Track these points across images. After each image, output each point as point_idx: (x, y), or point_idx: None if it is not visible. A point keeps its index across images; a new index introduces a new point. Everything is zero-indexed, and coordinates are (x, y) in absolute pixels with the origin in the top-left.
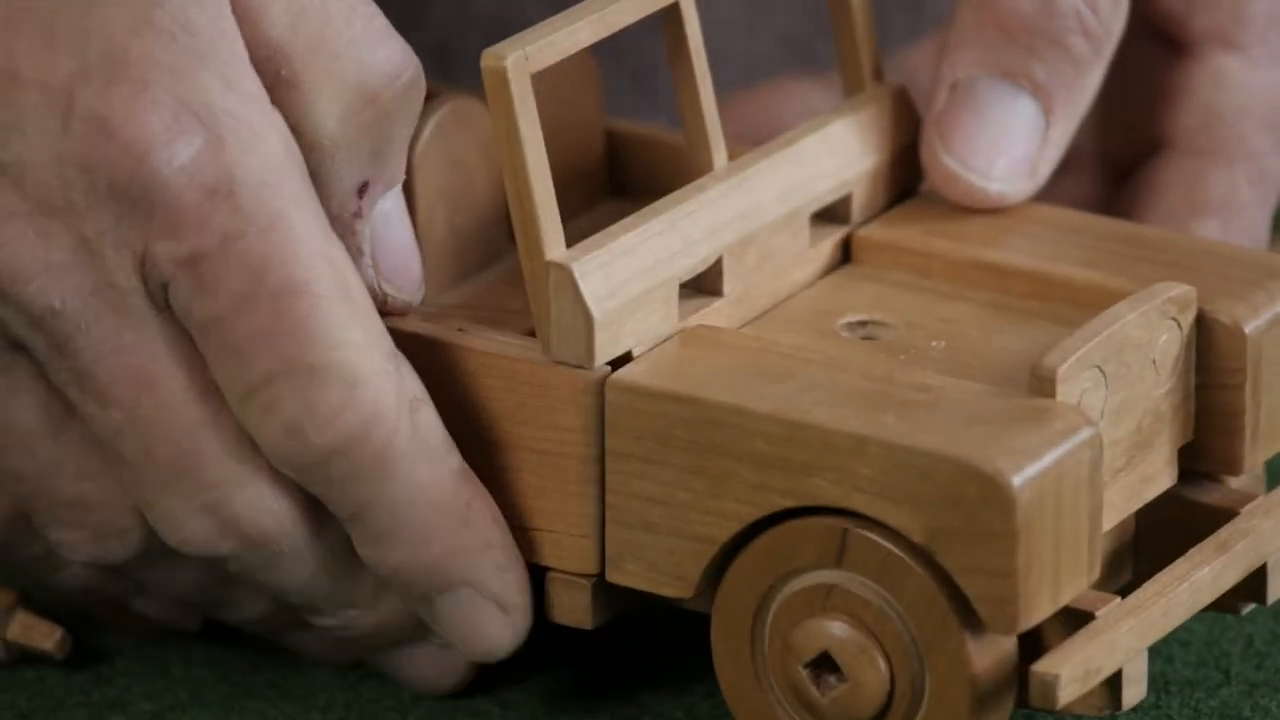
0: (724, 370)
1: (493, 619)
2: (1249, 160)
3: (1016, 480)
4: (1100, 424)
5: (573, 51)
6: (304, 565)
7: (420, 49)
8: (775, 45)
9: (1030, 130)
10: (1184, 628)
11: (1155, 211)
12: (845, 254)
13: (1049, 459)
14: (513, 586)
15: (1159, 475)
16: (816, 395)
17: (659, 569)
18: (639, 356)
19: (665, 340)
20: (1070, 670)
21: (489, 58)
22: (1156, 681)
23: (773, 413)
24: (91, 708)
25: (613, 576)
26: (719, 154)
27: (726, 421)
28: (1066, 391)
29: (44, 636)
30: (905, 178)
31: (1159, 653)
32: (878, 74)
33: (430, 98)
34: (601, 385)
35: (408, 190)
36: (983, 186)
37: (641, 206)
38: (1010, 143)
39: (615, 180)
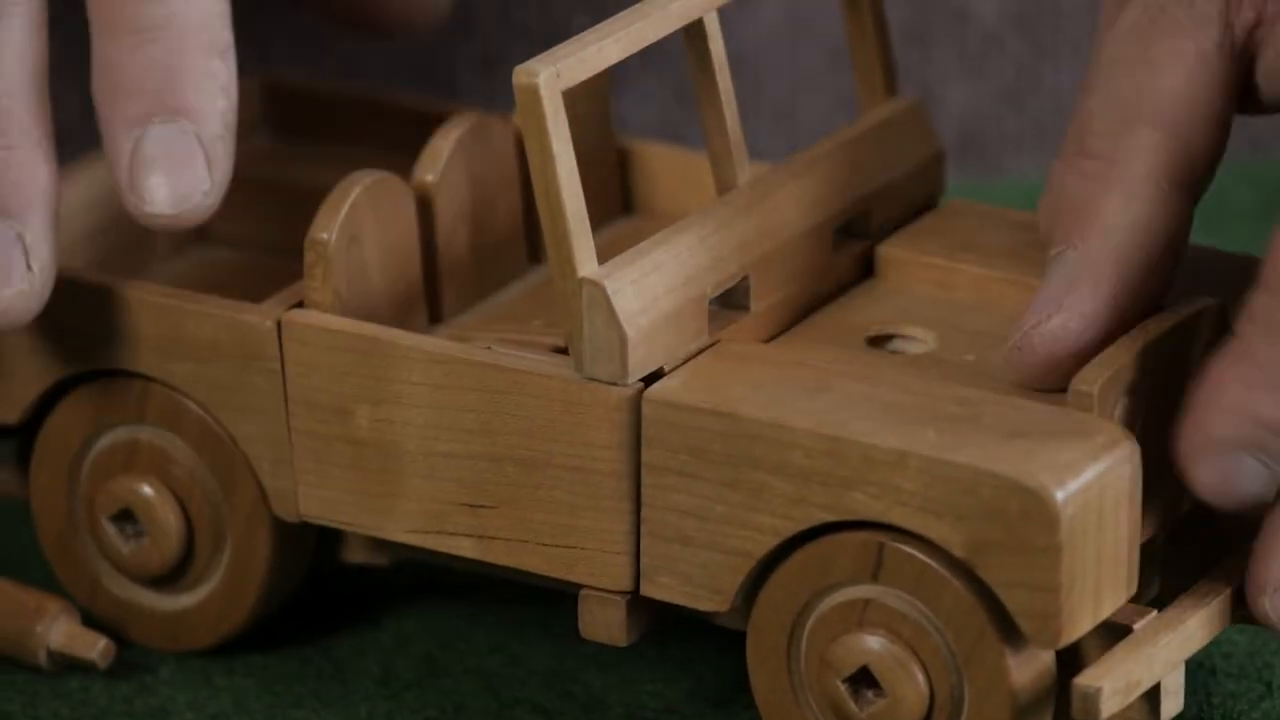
0: (760, 384)
1: None
2: None
3: (1060, 495)
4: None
5: (603, 68)
6: None
7: (465, 60)
8: (821, 56)
9: None
10: (1226, 639)
11: None
12: (867, 269)
13: (1091, 473)
14: None
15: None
16: (855, 409)
17: (694, 582)
18: (673, 371)
19: (698, 355)
20: (1112, 683)
21: (521, 75)
22: (1199, 694)
23: (811, 427)
24: (134, 717)
25: (647, 590)
26: (743, 170)
27: (764, 435)
28: (1104, 406)
29: (87, 646)
30: (924, 191)
31: (1201, 665)
32: (894, 87)
33: (448, 118)
34: (636, 401)
35: (429, 210)
36: None
37: (652, 224)
38: None
39: (624, 198)
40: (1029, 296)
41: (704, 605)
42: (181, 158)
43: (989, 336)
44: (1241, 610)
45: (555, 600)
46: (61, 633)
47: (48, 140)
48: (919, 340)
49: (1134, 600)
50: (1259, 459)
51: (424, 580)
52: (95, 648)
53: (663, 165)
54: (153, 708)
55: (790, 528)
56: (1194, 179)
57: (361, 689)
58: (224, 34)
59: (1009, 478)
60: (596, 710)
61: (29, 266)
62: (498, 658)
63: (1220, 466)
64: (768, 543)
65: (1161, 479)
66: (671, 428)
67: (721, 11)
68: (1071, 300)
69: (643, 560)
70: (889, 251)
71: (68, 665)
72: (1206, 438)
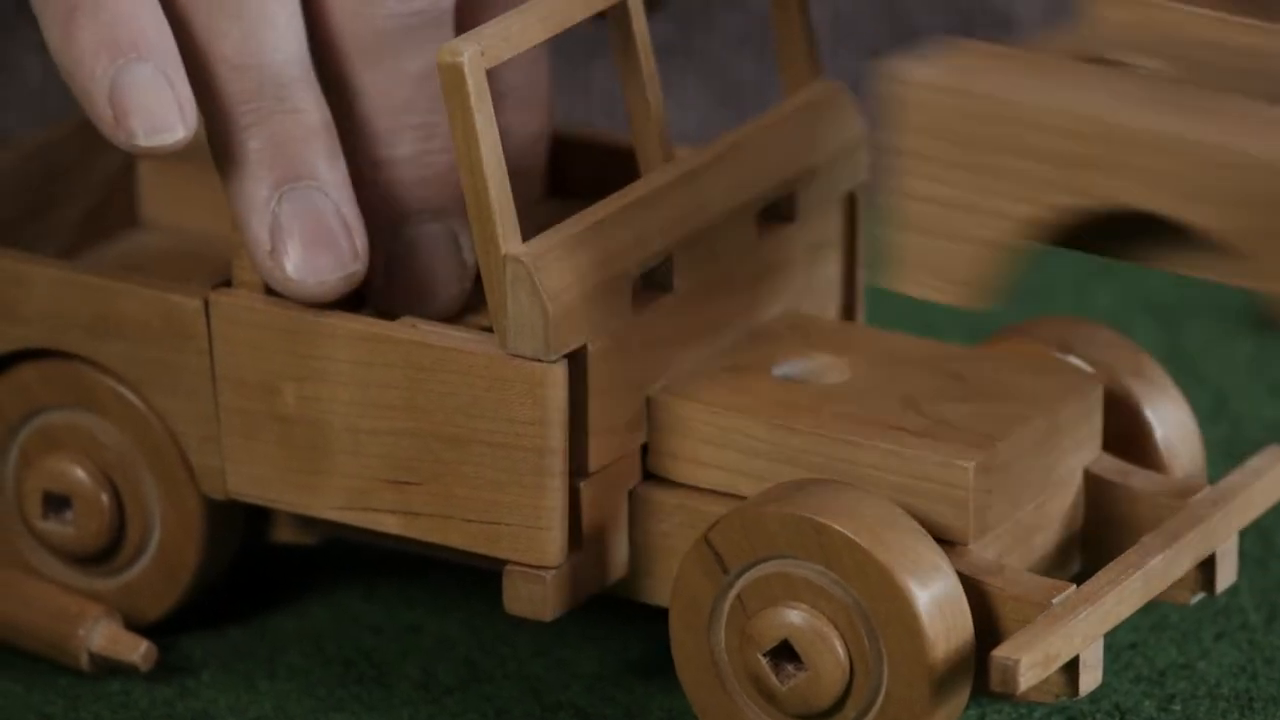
0: (1022, 73)
1: None
2: None
3: None
4: None
5: (526, 47)
6: None
7: None
8: (859, 60)
9: None
10: (1266, 645)
11: None
12: None
13: None
14: None
15: None
16: (1114, 95)
17: (941, 276)
18: (927, 60)
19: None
20: (1030, 656)
21: (445, 54)
22: (1240, 698)
23: (1079, 109)
24: None
25: (889, 283)
26: (667, 151)
27: (1026, 119)
28: None
29: (129, 649)
30: (848, 174)
31: (1244, 670)
32: (818, 70)
33: None
34: (559, 377)
35: None
36: None
37: (580, 207)
38: None
39: (553, 181)
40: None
41: (948, 298)
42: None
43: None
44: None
45: (597, 606)
46: (103, 635)
47: (324, 108)
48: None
49: (1055, 576)
50: None
51: (468, 584)
52: (137, 650)
53: (592, 149)
54: (195, 711)
55: (1041, 215)
56: None
57: (403, 693)
58: None
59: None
60: (639, 716)
61: (464, 263)
62: (540, 662)
63: None
64: (1015, 229)
65: None
66: (924, 110)
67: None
68: None
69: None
70: None
71: (109, 668)
72: None
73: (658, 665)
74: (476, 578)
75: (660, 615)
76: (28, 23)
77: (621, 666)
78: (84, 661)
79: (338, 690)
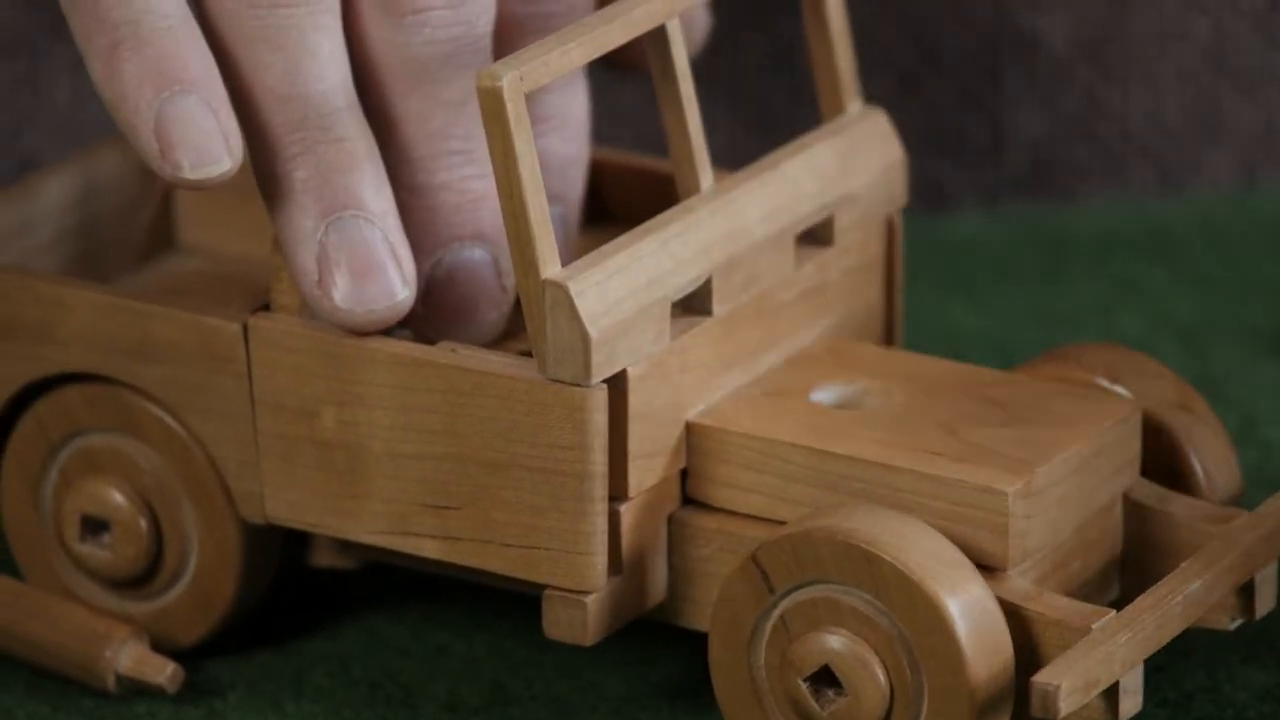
0: None
1: None
2: None
3: None
4: None
5: (565, 72)
6: None
7: None
8: (889, 87)
9: None
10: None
11: None
12: None
13: None
14: None
15: None
16: None
17: None
18: None
19: None
20: (1071, 681)
21: (485, 78)
22: None
23: None
24: None
25: None
26: (705, 176)
27: None
28: None
29: (156, 670)
30: (886, 198)
31: (1270, 694)
32: (855, 95)
33: None
34: (599, 401)
35: None
36: None
37: (616, 231)
38: None
39: (591, 207)
40: None
41: None
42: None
43: None
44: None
45: (624, 628)
46: (130, 657)
47: (369, 136)
48: None
49: (1094, 602)
50: None
51: (495, 606)
52: (164, 672)
53: (629, 174)
54: None
55: None
56: None
57: (430, 715)
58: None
59: None
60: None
61: (504, 288)
62: (567, 684)
63: None
64: None
65: None
66: None
67: None
68: None
69: None
70: None
71: (136, 690)
72: None
73: (684, 687)
74: (503, 599)
75: (687, 638)
76: (57, 45)
77: (648, 689)
78: (111, 683)
79: (364, 712)
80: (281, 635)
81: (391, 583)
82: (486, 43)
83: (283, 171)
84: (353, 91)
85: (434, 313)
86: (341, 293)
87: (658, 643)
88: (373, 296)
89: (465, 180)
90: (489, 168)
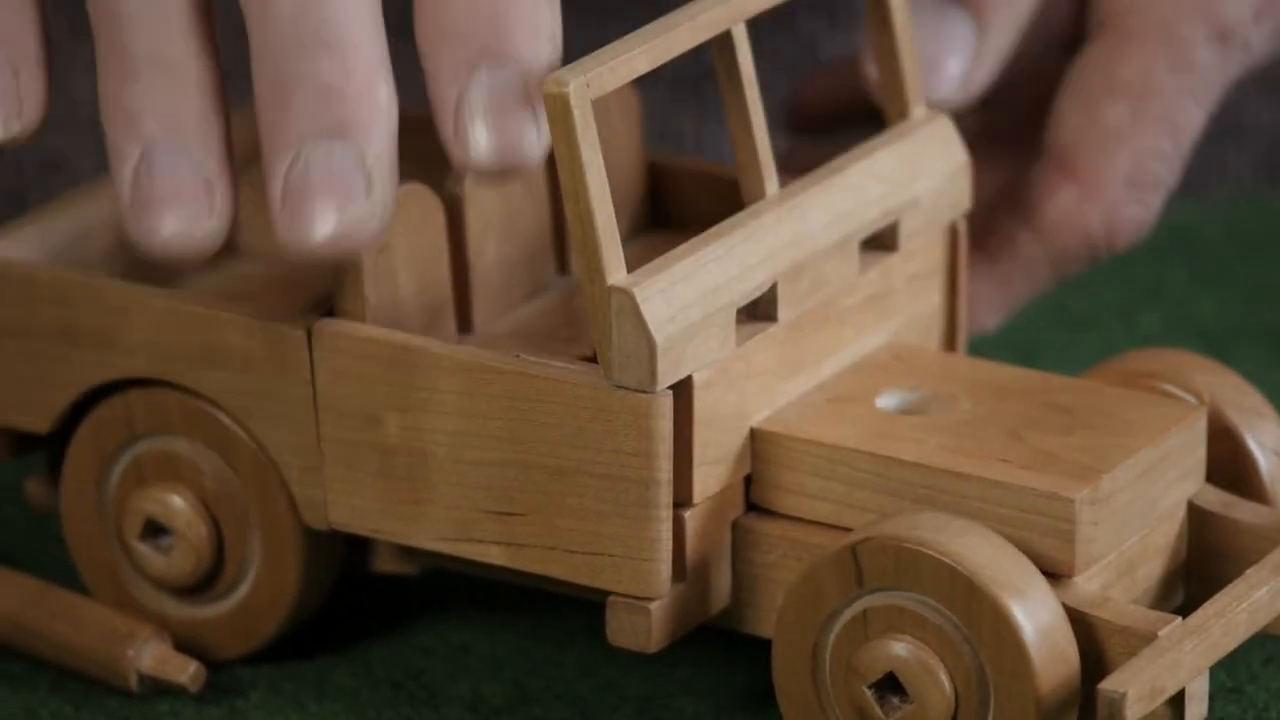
0: None
1: None
2: (1171, 45)
3: None
4: None
5: (631, 78)
6: None
7: None
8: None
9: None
10: None
11: (1073, 92)
12: None
13: None
14: None
15: None
16: None
17: None
18: None
19: None
20: (1137, 689)
21: (551, 84)
22: None
23: None
24: None
25: None
26: (770, 181)
27: None
28: None
29: (178, 669)
30: (950, 203)
31: None
32: (919, 100)
33: None
34: (664, 408)
35: (459, 220)
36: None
37: (681, 237)
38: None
39: (654, 212)
40: None
41: None
42: (509, 107)
43: None
44: None
45: None
46: (152, 656)
47: (385, 63)
48: None
49: (1159, 608)
50: None
51: (515, 605)
52: (186, 671)
53: (693, 179)
54: None
55: None
56: None
57: (452, 714)
58: None
59: None
60: None
61: (370, 187)
62: (588, 683)
63: None
64: None
65: None
66: None
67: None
68: None
69: None
70: None
71: (158, 689)
72: None
73: (706, 687)
74: (526, 598)
75: (703, 637)
76: (80, 44)
77: (670, 688)
78: (133, 682)
79: (386, 711)
80: (304, 635)
81: (413, 582)
82: None
83: (110, 91)
84: (201, 11)
85: (292, 214)
86: (154, 219)
87: (680, 644)
88: (186, 222)
89: (318, 72)
90: (361, 59)
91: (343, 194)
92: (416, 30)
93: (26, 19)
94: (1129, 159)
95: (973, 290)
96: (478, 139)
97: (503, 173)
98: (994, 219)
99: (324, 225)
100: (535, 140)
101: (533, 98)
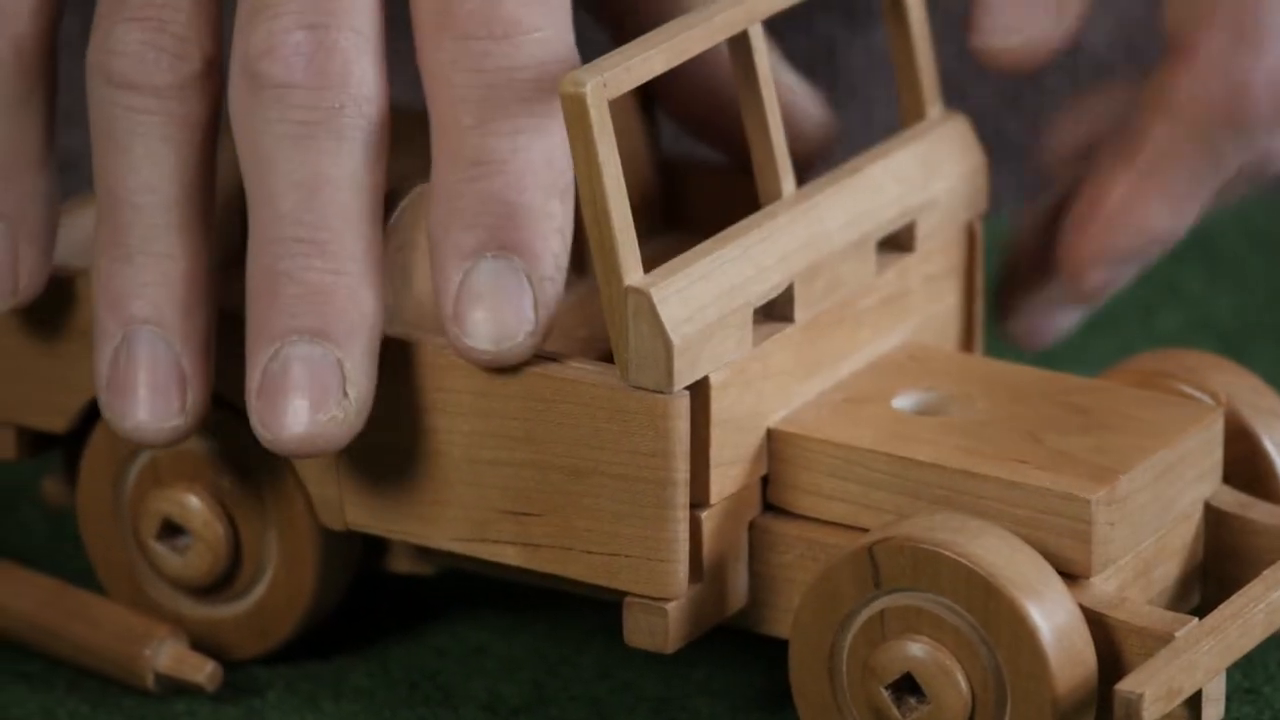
0: None
1: None
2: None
3: None
4: None
5: (647, 79)
6: None
7: None
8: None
9: None
10: None
11: None
12: None
13: None
14: None
15: None
16: None
17: None
18: None
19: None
20: (1154, 690)
21: (568, 85)
22: None
23: None
24: None
25: None
26: (787, 181)
27: None
28: None
29: (195, 669)
30: (968, 204)
31: None
32: (938, 100)
33: None
34: (681, 409)
35: None
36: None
37: (695, 237)
38: None
39: (667, 211)
40: None
41: None
42: (509, 295)
43: None
44: None
45: None
46: (169, 656)
47: (376, 271)
48: None
49: (1175, 609)
50: (1137, 266)
51: (532, 606)
52: (203, 671)
53: (706, 178)
54: None
55: None
56: None
57: (468, 714)
58: (566, 174)
59: None
60: None
61: (345, 394)
62: (605, 684)
63: (1110, 274)
64: None
65: None
66: None
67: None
68: None
69: None
70: None
71: (175, 688)
72: (1103, 246)
73: (722, 687)
74: (542, 599)
75: (720, 638)
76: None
77: (687, 688)
78: (150, 682)
79: (403, 711)
80: (320, 635)
81: (429, 582)
82: (360, 128)
83: (103, 268)
84: (198, 206)
85: (267, 407)
86: (126, 404)
87: (696, 644)
88: (157, 414)
89: (309, 272)
90: (352, 265)
91: (318, 396)
92: (430, 213)
93: (29, 187)
94: (1233, 25)
95: (1142, 202)
96: (475, 324)
97: (497, 357)
98: (1130, 126)
99: (296, 424)
100: (533, 332)
101: (535, 289)
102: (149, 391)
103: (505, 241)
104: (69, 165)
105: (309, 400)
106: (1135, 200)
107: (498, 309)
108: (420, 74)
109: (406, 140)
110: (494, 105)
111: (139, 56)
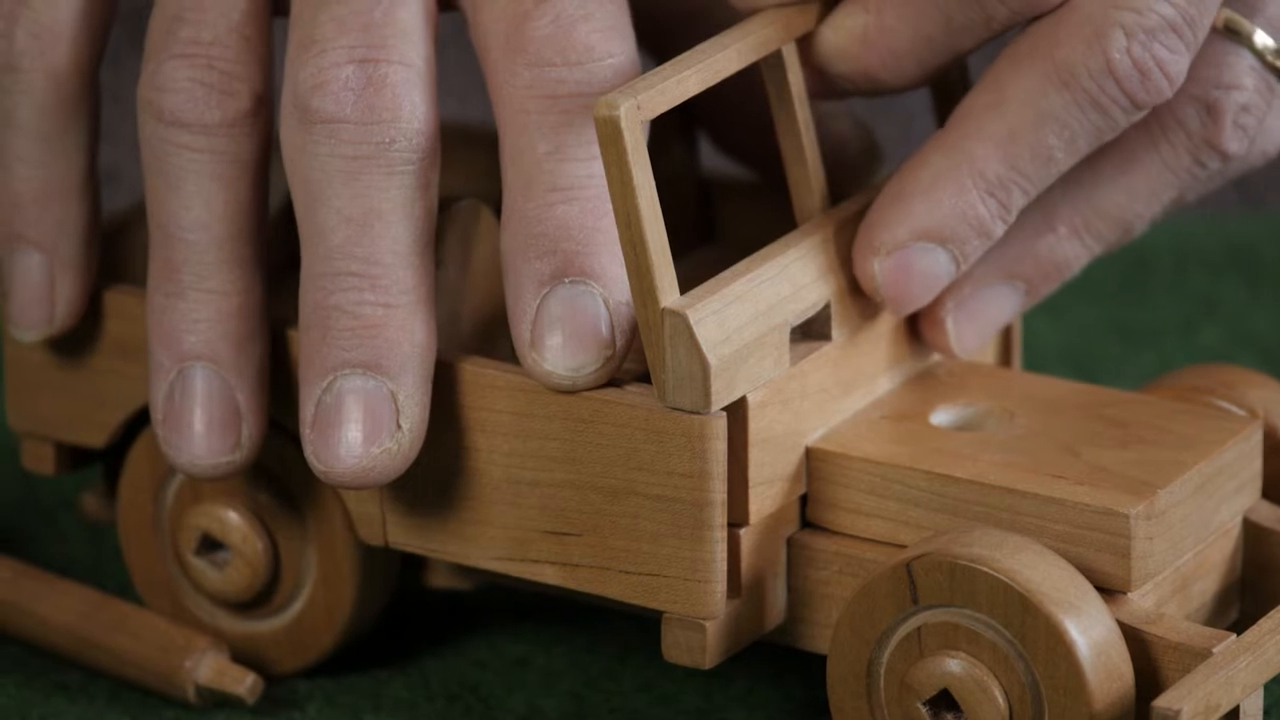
0: None
1: None
2: None
3: None
4: None
5: (681, 100)
6: None
7: None
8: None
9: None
10: None
11: None
12: None
13: None
14: None
15: None
16: None
17: None
18: None
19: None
20: (1192, 706)
21: (602, 107)
22: None
23: None
24: None
25: None
26: (822, 199)
27: None
28: None
29: (235, 681)
30: None
31: None
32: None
33: None
34: (719, 429)
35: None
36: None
37: (730, 253)
38: None
39: (703, 228)
40: None
41: None
42: (587, 320)
43: None
44: None
45: None
46: (210, 668)
47: (426, 303)
48: None
49: (1214, 624)
50: (952, 254)
51: (572, 619)
52: (243, 683)
53: (742, 195)
54: None
55: None
56: None
57: None
58: None
59: None
60: None
61: (399, 425)
62: (645, 697)
63: (919, 258)
64: None
65: None
66: None
67: None
68: None
69: None
70: None
71: (216, 701)
72: (913, 229)
73: (760, 701)
74: (582, 612)
75: (759, 652)
76: (136, 57)
77: (725, 700)
78: (190, 694)
79: None
80: (360, 647)
81: (470, 595)
82: (410, 161)
83: (157, 304)
84: (249, 242)
85: (321, 439)
86: (182, 440)
87: (735, 658)
88: (213, 449)
89: (361, 305)
90: (403, 297)
91: (371, 428)
92: (503, 237)
93: (68, 215)
94: None
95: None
96: (553, 350)
97: (573, 383)
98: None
99: (349, 456)
100: (612, 357)
101: (613, 313)
102: (205, 428)
103: (582, 267)
104: (111, 177)
105: (363, 433)
106: (906, 181)
107: (576, 334)
108: (490, 99)
109: (455, 158)
110: (569, 131)
111: (188, 94)
